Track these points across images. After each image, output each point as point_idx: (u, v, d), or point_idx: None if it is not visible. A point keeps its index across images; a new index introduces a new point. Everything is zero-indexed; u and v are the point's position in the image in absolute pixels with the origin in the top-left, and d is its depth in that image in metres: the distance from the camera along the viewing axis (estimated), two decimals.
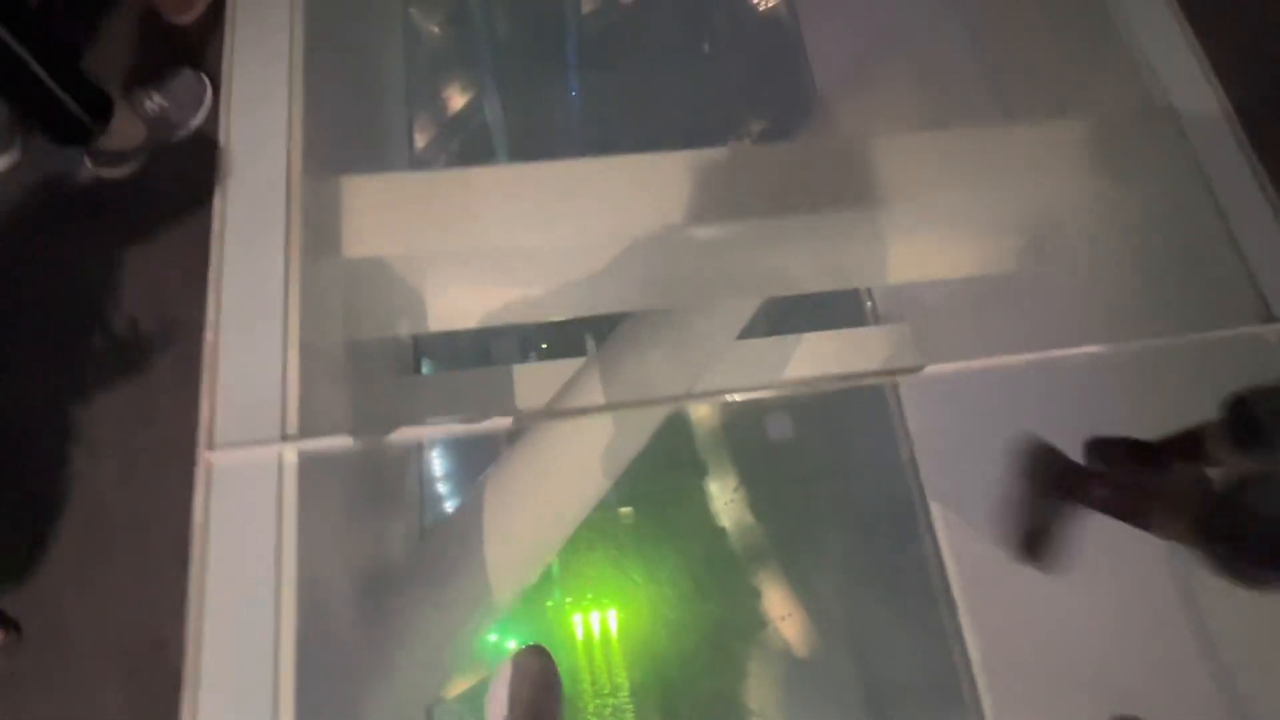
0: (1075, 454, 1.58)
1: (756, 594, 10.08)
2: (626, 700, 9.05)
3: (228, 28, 1.62)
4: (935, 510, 3.08)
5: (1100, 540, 1.49)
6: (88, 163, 1.41)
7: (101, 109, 1.32)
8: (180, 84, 1.48)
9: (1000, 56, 2.43)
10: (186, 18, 1.57)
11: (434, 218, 1.70)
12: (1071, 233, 2.01)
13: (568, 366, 2.63)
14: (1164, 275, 1.84)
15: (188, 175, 1.47)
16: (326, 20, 1.86)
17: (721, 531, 10.26)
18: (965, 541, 2.96)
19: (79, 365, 1.32)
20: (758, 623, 9.85)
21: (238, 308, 1.36)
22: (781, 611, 9.85)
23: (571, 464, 2.45)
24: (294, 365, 1.32)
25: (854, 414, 6.63)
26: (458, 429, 1.98)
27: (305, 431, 1.29)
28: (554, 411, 2.55)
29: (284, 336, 1.32)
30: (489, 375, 3.08)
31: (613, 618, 9.61)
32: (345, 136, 1.96)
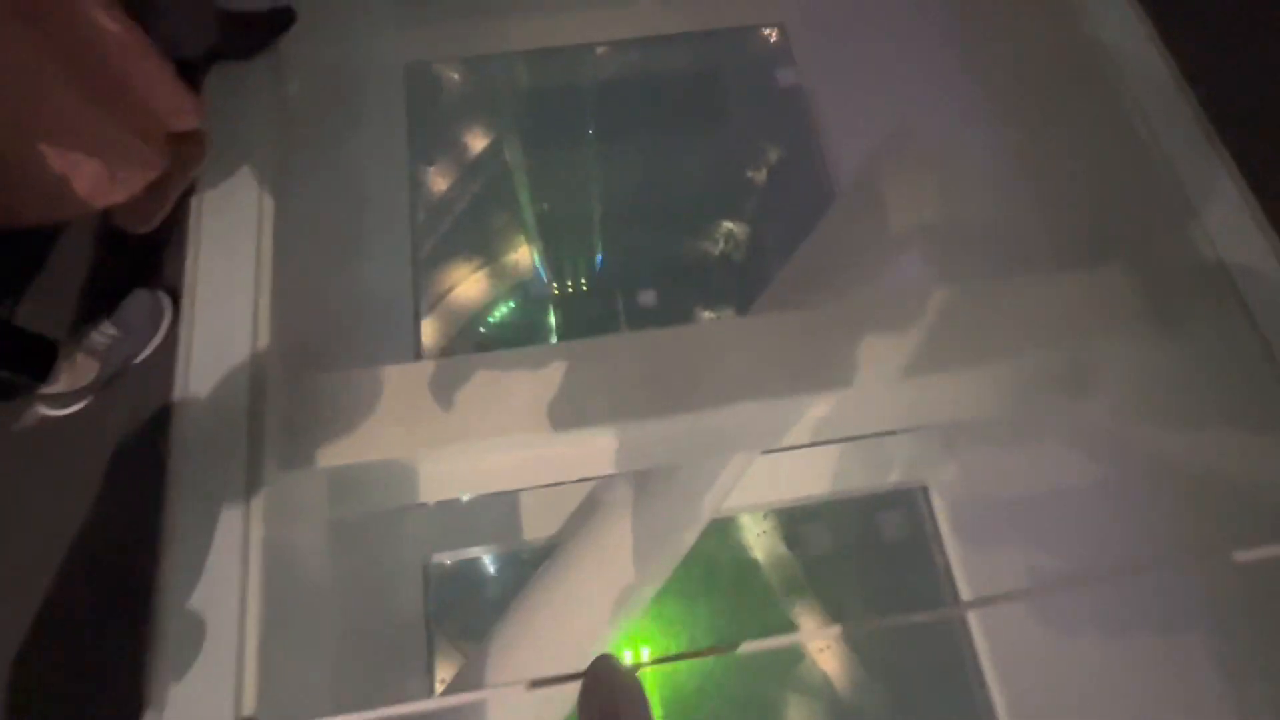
0: None
1: (793, 627, 9.81)
2: None
3: (190, 234, 1.52)
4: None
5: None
6: (38, 407, 1.31)
7: (42, 364, 1.22)
8: (135, 307, 1.38)
9: (1025, 145, 2.23)
10: (146, 227, 1.47)
11: (415, 415, 1.57)
12: (1112, 380, 1.81)
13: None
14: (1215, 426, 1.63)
15: (141, 406, 1.37)
16: (304, 206, 1.76)
17: (754, 564, 10.02)
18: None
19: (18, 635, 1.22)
20: (795, 655, 9.58)
21: (188, 574, 1.24)
22: (820, 644, 9.56)
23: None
24: (252, 642, 1.20)
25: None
26: None
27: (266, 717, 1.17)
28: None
29: (240, 618, 1.20)
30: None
31: (645, 654, 9.42)
32: (327, 328, 1.85)
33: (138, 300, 1.38)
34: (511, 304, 10.50)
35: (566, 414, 1.56)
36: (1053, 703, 2.47)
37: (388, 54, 3.08)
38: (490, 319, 10.41)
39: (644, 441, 1.91)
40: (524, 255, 10.65)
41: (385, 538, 2.45)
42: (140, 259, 1.47)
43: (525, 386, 1.59)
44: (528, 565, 2.72)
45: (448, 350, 10.49)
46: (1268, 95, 1.62)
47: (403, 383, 1.60)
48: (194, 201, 1.56)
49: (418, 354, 2.65)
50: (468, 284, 10.69)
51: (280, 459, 1.46)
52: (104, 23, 1.15)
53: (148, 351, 1.39)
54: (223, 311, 1.49)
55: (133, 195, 1.33)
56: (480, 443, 1.57)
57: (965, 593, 3.01)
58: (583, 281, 10.43)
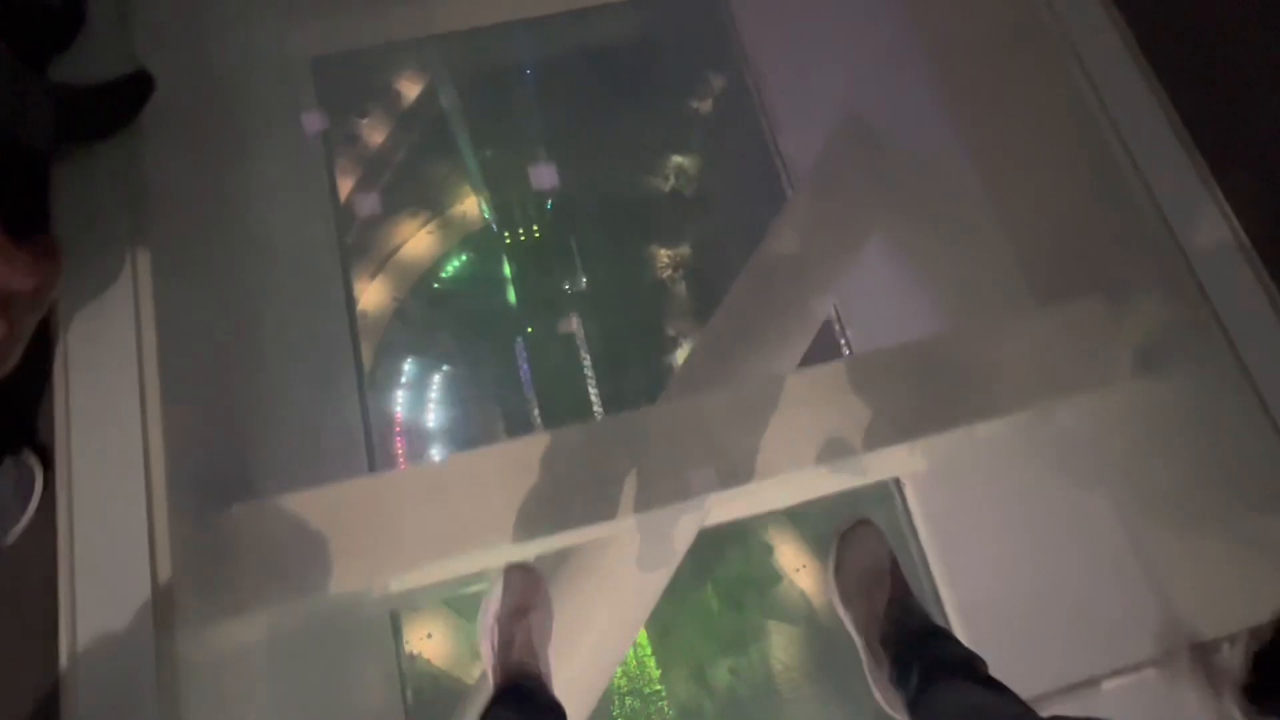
0: None
1: (770, 549, 10.20)
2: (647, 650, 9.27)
3: (57, 372, 1.28)
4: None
5: None
6: None
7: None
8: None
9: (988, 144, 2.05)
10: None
11: (361, 543, 1.40)
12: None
13: None
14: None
15: (16, 600, 1.18)
16: (200, 290, 1.52)
17: None
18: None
19: None
20: (774, 576, 9.99)
21: None
22: (795, 564, 9.97)
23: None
24: None
25: None
26: None
27: None
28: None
29: None
30: None
31: None
32: (252, 445, 1.63)
33: (2, 472, 1.17)
34: (463, 257, 10.10)
35: (527, 522, 1.41)
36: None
37: (292, 54, 2.72)
38: (443, 273, 10.02)
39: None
40: (471, 206, 10.18)
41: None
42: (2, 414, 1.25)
43: (481, 494, 1.43)
44: None
45: (401, 312, 10.08)
46: (1254, 121, 1.46)
47: (345, 503, 1.42)
48: (56, 326, 1.32)
49: (370, 462, 2.42)
50: (416, 240, 10.22)
51: (200, 620, 1.29)
52: None
53: (19, 529, 1.19)
54: (107, 458, 1.28)
55: None
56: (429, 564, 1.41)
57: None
58: (535, 228, 10.04)
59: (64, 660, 1.16)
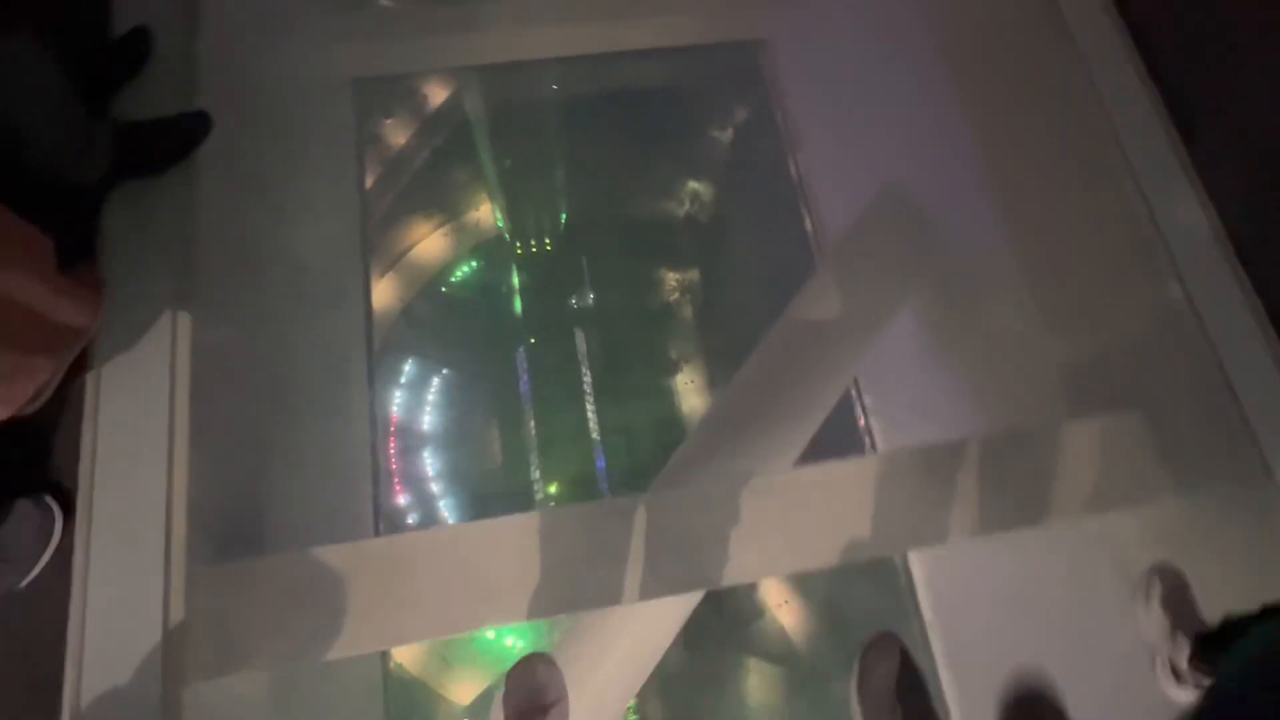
0: None
1: (754, 584, 10.09)
2: None
3: (87, 410, 1.27)
4: None
5: None
6: None
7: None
8: (16, 526, 1.15)
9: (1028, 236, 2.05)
10: (27, 410, 1.22)
11: (366, 606, 1.38)
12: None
13: None
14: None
15: (29, 642, 1.16)
16: (232, 333, 1.51)
17: None
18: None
19: None
20: (755, 611, 9.87)
21: None
22: (779, 599, 9.85)
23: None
24: None
25: None
26: None
27: None
28: None
29: None
30: None
31: None
32: (268, 497, 1.62)
33: (19, 516, 1.15)
34: (473, 264, 10.10)
35: (541, 600, 1.39)
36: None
37: (335, 74, 2.72)
38: (452, 278, 10.01)
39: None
40: (486, 214, 10.18)
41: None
42: (20, 454, 1.23)
43: (499, 564, 1.41)
44: None
45: (408, 312, 10.10)
46: None
47: (354, 565, 1.40)
48: (89, 362, 1.31)
49: (377, 526, 2.42)
50: (428, 242, 10.22)
51: (206, 671, 1.27)
52: None
53: (34, 573, 1.17)
54: (130, 501, 1.26)
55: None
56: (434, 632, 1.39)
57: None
58: (547, 241, 10.04)
59: (67, 708, 1.14)
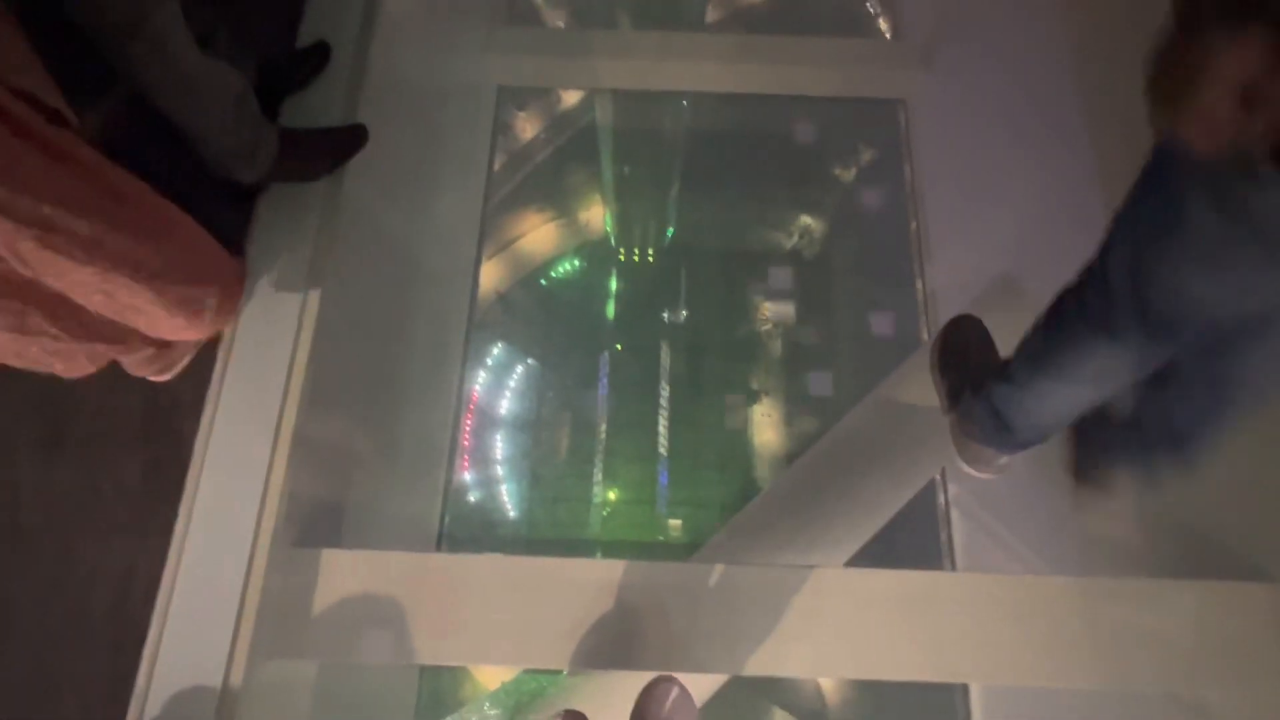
0: None
1: None
2: None
3: (212, 387, 1.36)
4: None
5: None
6: None
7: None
8: None
9: None
10: (163, 376, 1.32)
11: (420, 621, 1.42)
12: None
13: None
14: None
15: (126, 595, 1.24)
16: (343, 348, 1.58)
17: None
18: None
19: None
20: None
21: None
22: None
23: None
24: None
25: None
26: None
27: None
28: None
29: None
30: None
31: None
32: (354, 488, 1.69)
33: None
34: (576, 262, 10.30)
35: (584, 653, 1.39)
36: None
37: (483, 81, 2.82)
38: (553, 273, 10.24)
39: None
40: (596, 216, 10.35)
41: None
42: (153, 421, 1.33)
43: (553, 607, 1.42)
44: None
45: (505, 297, 10.38)
46: None
47: (414, 575, 1.44)
48: (222, 343, 1.40)
49: (439, 540, 2.50)
50: (538, 233, 10.49)
51: (268, 649, 1.34)
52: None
53: None
54: (234, 477, 1.35)
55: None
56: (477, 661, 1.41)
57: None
58: (650, 252, 10.11)
59: (143, 669, 1.21)
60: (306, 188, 1.48)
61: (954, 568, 2.58)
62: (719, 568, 1.50)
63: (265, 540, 1.34)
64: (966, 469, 1.36)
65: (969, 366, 1.40)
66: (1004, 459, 1.30)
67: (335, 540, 1.62)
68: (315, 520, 1.53)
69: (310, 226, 1.48)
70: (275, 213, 1.46)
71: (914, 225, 3.57)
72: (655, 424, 9.26)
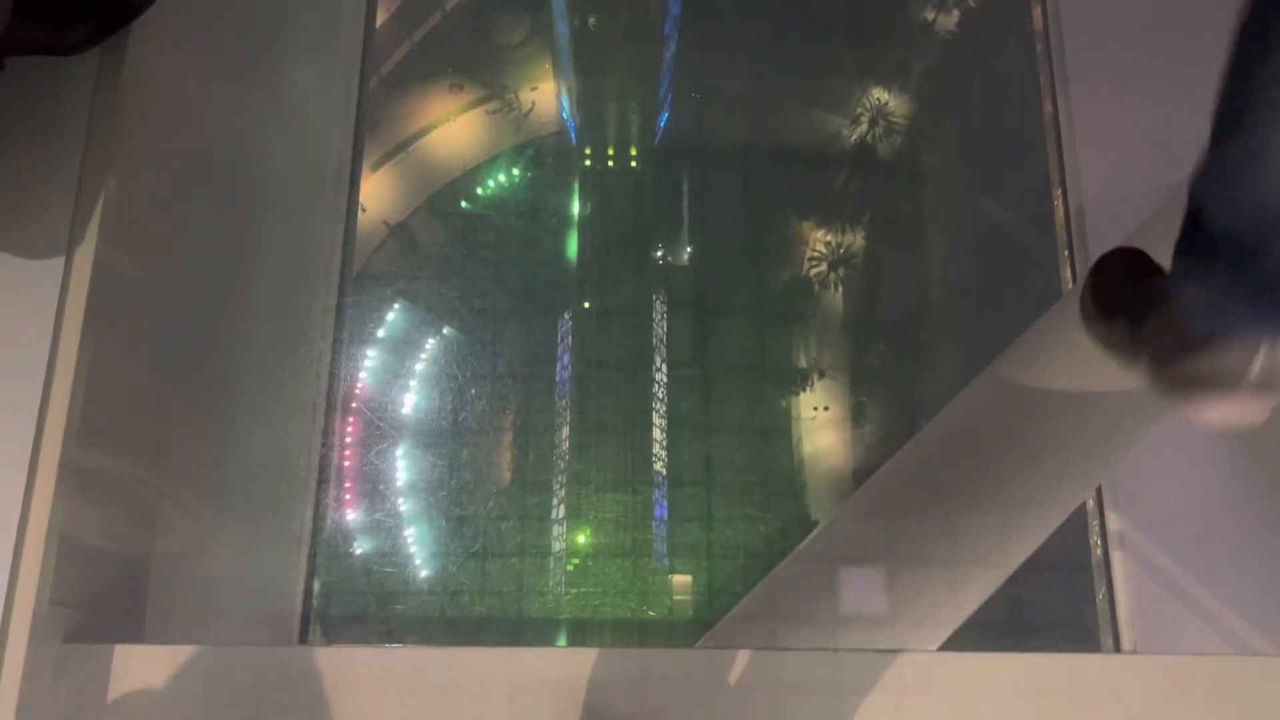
0: None
1: None
2: None
3: None
4: None
5: None
6: None
7: None
8: None
9: None
10: None
11: None
12: None
13: None
14: None
15: None
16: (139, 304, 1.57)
17: None
18: None
19: None
20: None
21: None
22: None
23: None
24: None
25: None
26: None
27: None
28: None
29: None
30: None
31: None
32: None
33: None
34: (516, 170, 10.23)
35: None
36: None
37: None
38: (480, 188, 10.14)
39: None
40: (548, 96, 10.27)
41: None
42: None
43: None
44: None
45: (402, 229, 10.32)
46: None
47: (263, 680, 1.47)
48: None
49: (305, 621, 2.51)
50: (453, 126, 10.38)
51: None
52: None
53: None
54: None
55: None
56: None
57: None
58: (632, 154, 10.05)
59: None
60: (61, 66, 1.47)
61: (1118, 645, 2.62)
62: (747, 654, 1.52)
63: (19, 634, 1.34)
64: (1210, 414, 1.28)
65: (1141, 300, 1.45)
66: (1262, 350, 1.16)
67: (135, 631, 1.63)
68: (101, 599, 1.54)
69: (72, 133, 1.47)
70: (13, 112, 1.46)
71: (1049, 106, 3.59)
72: (648, 423, 9.25)
